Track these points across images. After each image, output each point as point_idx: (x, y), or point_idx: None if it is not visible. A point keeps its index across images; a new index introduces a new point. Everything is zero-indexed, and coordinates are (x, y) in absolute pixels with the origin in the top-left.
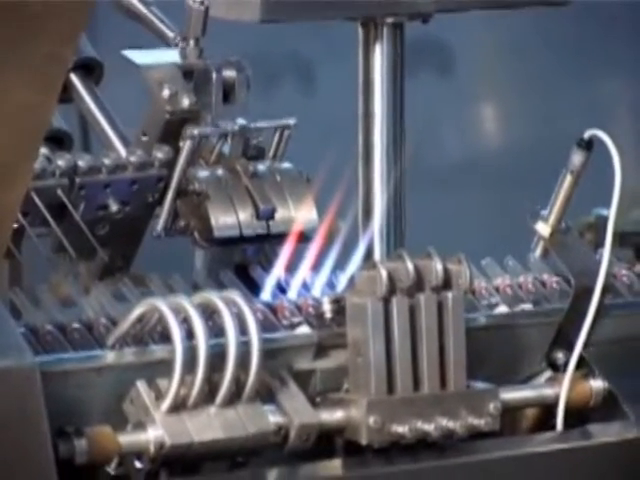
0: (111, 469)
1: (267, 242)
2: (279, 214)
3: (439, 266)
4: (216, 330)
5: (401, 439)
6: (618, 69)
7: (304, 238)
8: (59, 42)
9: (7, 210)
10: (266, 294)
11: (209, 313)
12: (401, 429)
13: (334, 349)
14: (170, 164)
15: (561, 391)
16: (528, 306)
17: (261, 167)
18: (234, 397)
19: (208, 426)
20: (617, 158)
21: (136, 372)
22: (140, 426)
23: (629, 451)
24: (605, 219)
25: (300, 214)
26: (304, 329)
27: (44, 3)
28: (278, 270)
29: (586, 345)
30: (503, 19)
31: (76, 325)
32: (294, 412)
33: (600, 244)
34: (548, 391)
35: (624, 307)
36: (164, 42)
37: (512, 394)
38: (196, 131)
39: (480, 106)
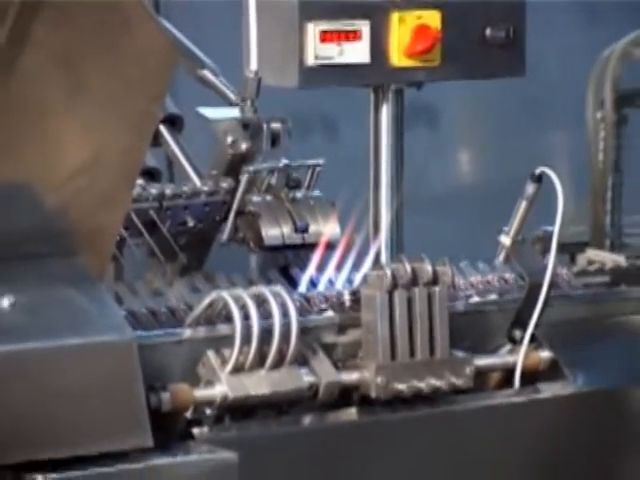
0: (188, 415)
1: (303, 249)
2: (311, 229)
3: (429, 267)
4: (265, 314)
5: (401, 394)
6: (561, 123)
7: (330, 247)
8: (150, 100)
9: (112, 225)
10: (302, 288)
11: (260, 301)
12: (401, 386)
13: (352, 328)
14: (232, 192)
15: (518, 359)
16: (494, 297)
17: (298, 194)
18: (279, 362)
19: (260, 384)
20: (560, 188)
21: (207, 344)
22: (210, 384)
23: (568, 403)
24: (550, 233)
25: (327, 229)
26: (330, 313)
27: (138, 69)
28: (311, 270)
29: (537, 325)
30: (477, 86)
31: (163, 310)
32: (323, 374)
33: (546, 251)
34: (509, 359)
35: (564, 298)
36: (227, 102)
37: (483, 361)
38: (251, 168)
39: (460, 151)
